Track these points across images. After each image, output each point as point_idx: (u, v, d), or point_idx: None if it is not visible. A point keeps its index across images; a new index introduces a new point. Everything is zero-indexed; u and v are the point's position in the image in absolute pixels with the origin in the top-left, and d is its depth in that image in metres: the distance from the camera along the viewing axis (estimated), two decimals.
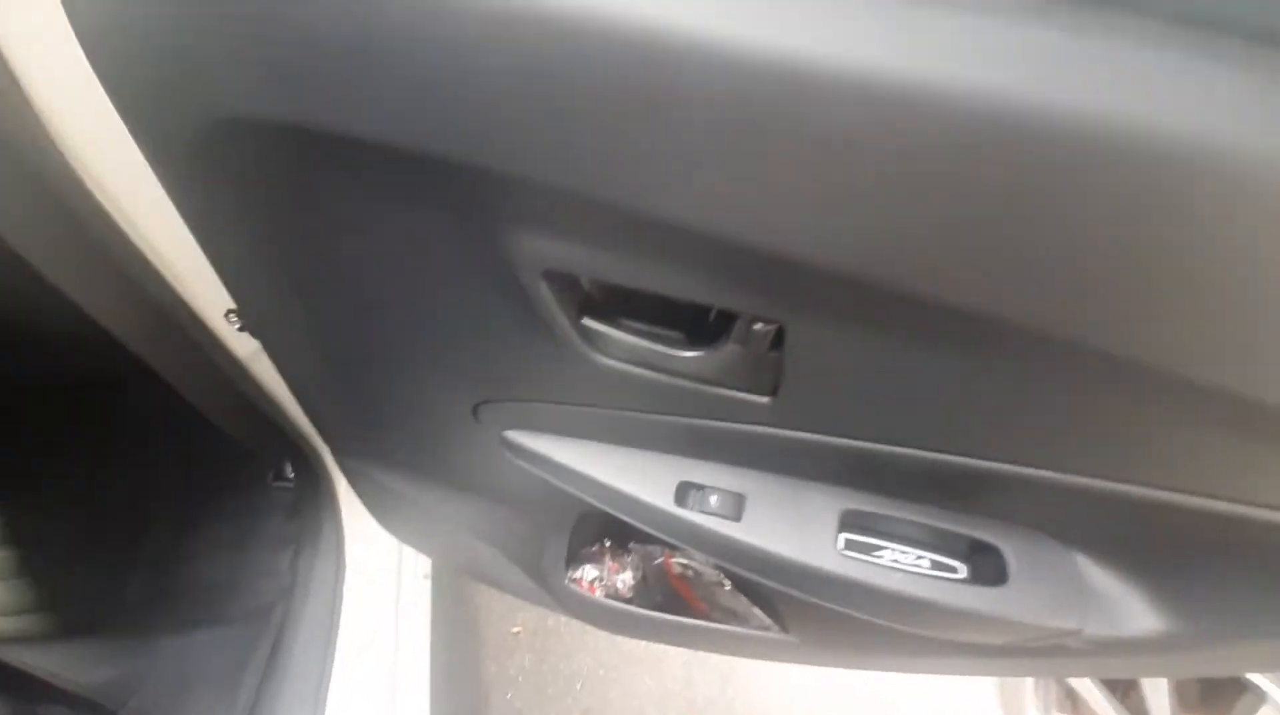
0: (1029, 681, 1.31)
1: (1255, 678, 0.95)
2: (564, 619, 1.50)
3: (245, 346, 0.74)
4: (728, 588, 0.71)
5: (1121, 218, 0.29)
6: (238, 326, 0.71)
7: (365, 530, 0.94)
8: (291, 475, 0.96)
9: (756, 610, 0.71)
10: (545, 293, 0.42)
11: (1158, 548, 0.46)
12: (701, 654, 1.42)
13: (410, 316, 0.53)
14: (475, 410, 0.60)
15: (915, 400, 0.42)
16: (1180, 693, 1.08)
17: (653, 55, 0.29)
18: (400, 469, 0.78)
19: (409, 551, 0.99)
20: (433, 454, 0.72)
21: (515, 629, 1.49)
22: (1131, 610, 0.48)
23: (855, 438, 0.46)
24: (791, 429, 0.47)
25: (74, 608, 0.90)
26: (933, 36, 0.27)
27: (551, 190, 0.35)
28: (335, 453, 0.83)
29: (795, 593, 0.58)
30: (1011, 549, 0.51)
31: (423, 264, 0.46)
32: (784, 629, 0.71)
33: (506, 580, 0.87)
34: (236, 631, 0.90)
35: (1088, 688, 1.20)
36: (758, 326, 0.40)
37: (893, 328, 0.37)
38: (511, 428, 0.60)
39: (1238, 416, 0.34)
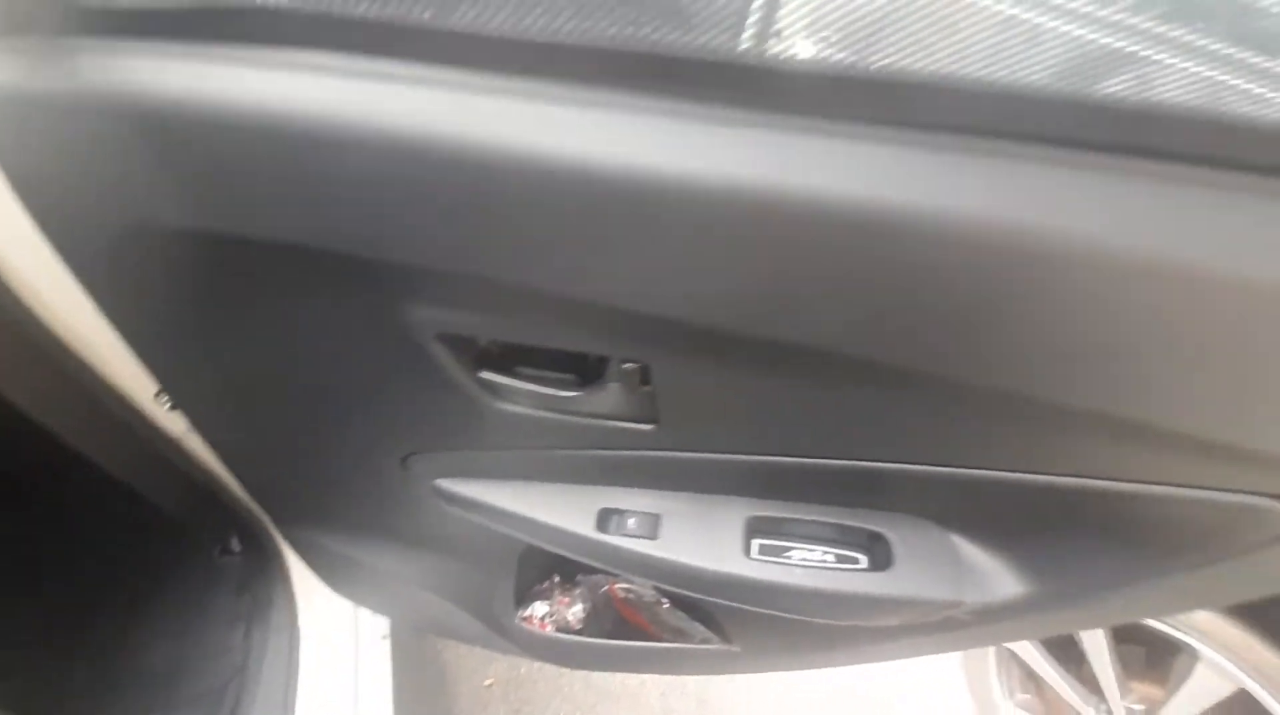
0: (992, 667, 1.36)
1: (1188, 639, 1.01)
2: (537, 666, 1.49)
3: (177, 424, 0.76)
4: (666, 606, 0.75)
5: (915, 279, 0.35)
6: (168, 406, 0.73)
7: (318, 596, 0.94)
8: (238, 548, 0.96)
9: (698, 625, 0.75)
10: (441, 353, 0.47)
11: (1017, 522, 0.52)
12: (678, 683, 1.43)
13: (330, 384, 0.57)
14: (404, 463, 0.63)
15: (779, 417, 0.48)
16: (1124, 661, 1.14)
17: (524, 172, 0.34)
18: (343, 530, 0.80)
19: (365, 613, 0.99)
20: (371, 511, 0.75)
21: (488, 681, 1.47)
22: (1001, 579, 0.53)
23: (737, 453, 0.51)
24: (678, 451, 0.52)
25: (16, 706, 0.87)
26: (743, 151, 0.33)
27: (434, 271, 0.40)
28: (277, 521, 0.85)
29: (717, 600, 0.62)
30: (898, 536, 0.56)
31: (333, 340, 0.50)
32: (726, 640, 0.74)
33: (464, 630, 0.89)
34: None
35: (1043, 665, 1.25)
36: (626, 366, 0.45)
37: (740, 361, 0.43)
38: (441, 476, 0.64)
39: (1051, 415, 0.41)
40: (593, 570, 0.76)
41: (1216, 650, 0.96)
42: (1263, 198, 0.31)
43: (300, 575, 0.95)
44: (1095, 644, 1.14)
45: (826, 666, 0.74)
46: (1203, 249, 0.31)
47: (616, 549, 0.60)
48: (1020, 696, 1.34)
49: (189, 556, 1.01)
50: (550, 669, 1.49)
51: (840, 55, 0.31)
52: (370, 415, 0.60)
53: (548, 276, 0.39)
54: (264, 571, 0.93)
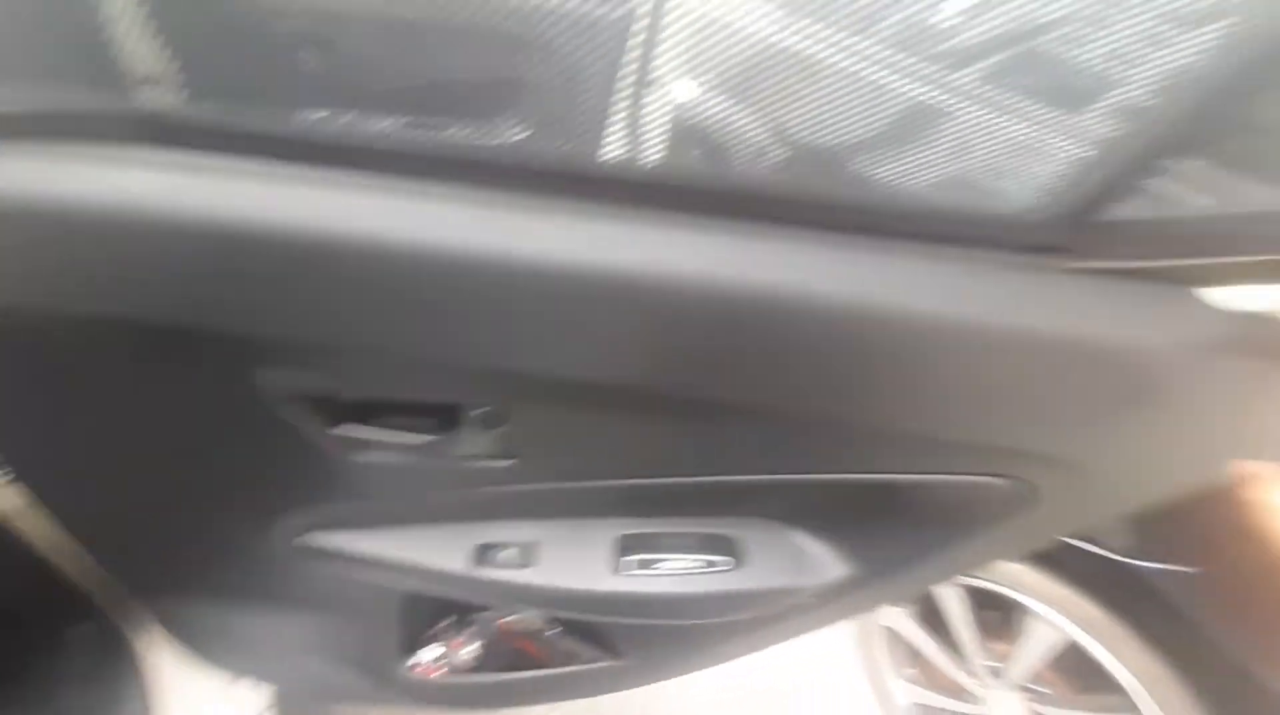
0: (880, 649, 1.47)
1: (1025, 599, 1.16)
2: None
3: (10, 501, 0.69)
4: (556, 631, 0.76)
5: (707, 331, 0.41)
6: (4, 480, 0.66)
7: (185, 676, 0.87)
8: (91, 633, 0.87)
9: (587, 645, 0.77)
10: (294, 413, 0.48)
11: (838, 515, 0.59)
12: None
13: (183, 450, 0.55)
14: (270, 523, 0.62)
15: (630, 446, 0.53)
16: (983, 625, 1.28)
17: (346, 254, 0.37)
18: (212, 599, 0.75)
19: (244, 686, 0.92)
20: (241, 576, 0.71)
21: None
22: (832, 564, 0.61)
23: (598, 480, 0.55)
24: (542, 482, 0.55)
25: None
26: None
27: (278, 339, 0.42)
28: (137, 597, 0.78)
29: (600, 617, 0.65)
30: (748, 537, 0.62)
31: (182, 407, 0.50)
32: (616, 656, 0.77)
33: (351, 690, 0.85)
34: None
35: (921, 639, 1.38)
36: (475, 412, 0.48)
37: (584, 401, 0.47)
38: (309, 533, 0.63)
39: (845, 427, 0.48)
40: (483, 609, 0.77)
41: (1049, 607, 1.11)
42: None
43: (162, 656, 0.87)
44: (956, 613, 1.28)
45: (708, 666, 0.79)
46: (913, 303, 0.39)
47: (495, 582, 0.62)
48: (906, 671, 1.46)
49: (35, 648, 0.90)
50: None
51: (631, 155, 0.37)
52: (229, 479, 0.59)
53: (393, 342, 0.42)
54: (115, 659, 0.84)
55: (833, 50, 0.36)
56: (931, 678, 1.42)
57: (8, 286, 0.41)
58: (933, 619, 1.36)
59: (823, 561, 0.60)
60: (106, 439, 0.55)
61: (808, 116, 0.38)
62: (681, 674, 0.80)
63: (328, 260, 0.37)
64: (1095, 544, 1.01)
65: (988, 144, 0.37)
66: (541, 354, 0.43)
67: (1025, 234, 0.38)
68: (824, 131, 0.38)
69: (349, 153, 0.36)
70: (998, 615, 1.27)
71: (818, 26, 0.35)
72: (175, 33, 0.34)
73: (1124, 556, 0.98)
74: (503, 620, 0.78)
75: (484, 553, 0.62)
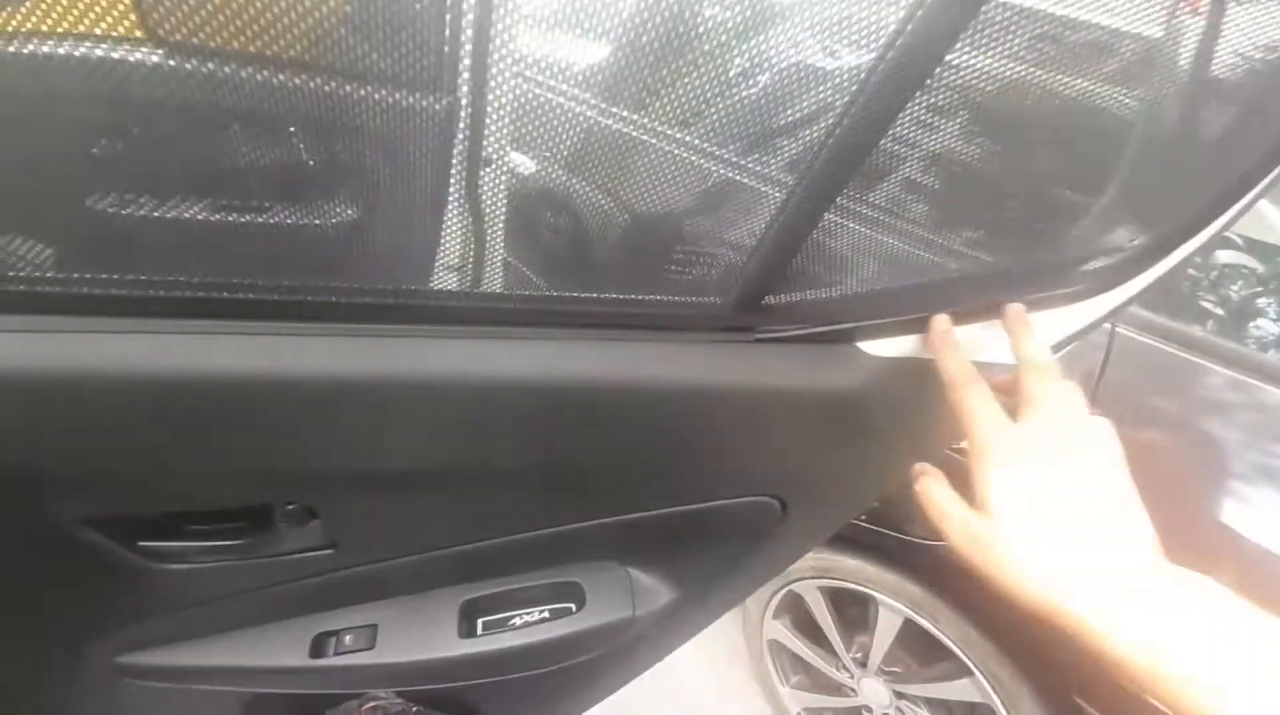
0: (769, 663, 1.57)
1: (869, 591, 1.31)
2: None
3: None
4: (417, 709, 0.77)
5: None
6: None
7: None
8: None
9: None
10: (89, 536, 0.47)
11: (659, 546, 0.67)
12: None
13: None
14: (77, 649, 0.58)
15: (443, 516, 0.57)
16: (845, 623, 1.42)
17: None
18: None
19: None
20: (52, 709, 0.65)
21: None
22: (660, 592, 0.68)
23: (422, 552, 0.59)
24: (367, 564, 0.58)
25: None
26: None
27: (58, 473, 0.43)
28: None
29: (451, 685, 0.67)
30: (587, 579, 0.68)
31: None
32: None
33: None
34: None
35: (799, 646, 1.49)
36: (289, 507, 0.51)
37: (382, 486, 0.52)
38: (123, 654, 0.60)
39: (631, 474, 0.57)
40: (335, 701, 0.75)
41: (886, 594, 1.26)
42: None
43: None
44: (823, 615, 1.40)
45: (580, 713, 0.83)
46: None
47: (335, 669, 0.62)
48: (793, 679, 1.56)
49: None
50: None
51: None
52: (27, 607, 0.55)
53: (181, 464, 0.44)
54: None
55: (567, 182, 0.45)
56: (814, 680, 1.54)
57: None
58: (807, 626, 1.48)
59: (654, 590, 0.67)
60: None
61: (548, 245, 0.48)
62: None
63: (97, 395, 0.39)
64: (908, 533, 1.17)
65: (673, 258, 0.49)
66: (340, 454, 0.47)
67: (718, 319, 0.49)
68: (562, 252, 0.48)
69: (110, 301, 0.39)
70: (857, 611, 1.41)
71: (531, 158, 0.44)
72: None
73: (930, 539, 1.15)
74: (363, 707, 0.77)
75: (323, 642, 0.63)
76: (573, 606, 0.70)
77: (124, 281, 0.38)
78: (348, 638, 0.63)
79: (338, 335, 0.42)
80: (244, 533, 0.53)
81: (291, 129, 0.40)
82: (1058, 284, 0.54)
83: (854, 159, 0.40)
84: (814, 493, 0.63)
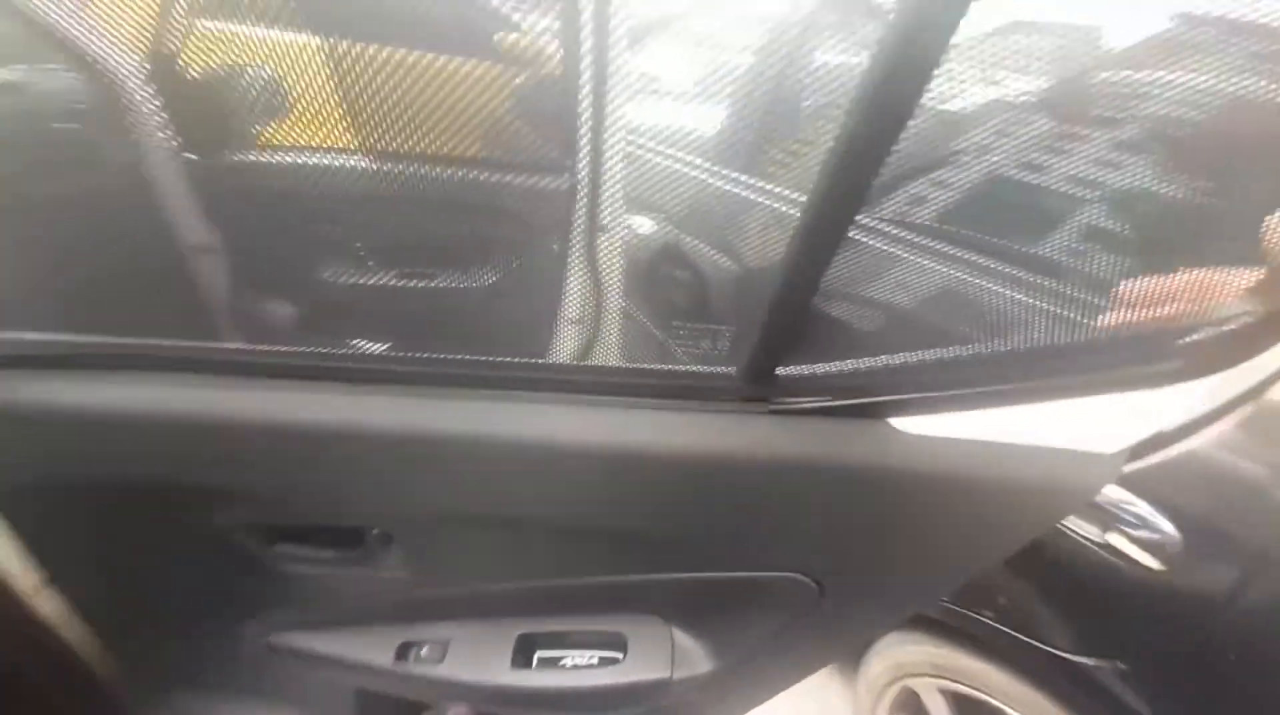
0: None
1: (998, 702, 1.12)
2: None
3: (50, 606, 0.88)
4: None
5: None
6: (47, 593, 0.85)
7: None
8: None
9: None
10: (245, 538, 0.65)
11: (702, 610, 0.68)
12: None
13: (181, 572, 0.73)
14: (235, 630, 0.77)
15: (510, 557, 0.66)
16: None
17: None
18: (192, 692, 0.89)
19: None
20: (218, 671, 0.85)
21: None
22: (700, 659, 0.68)
23: (488, 584, 0.68)
24: (441, 589, 0.68)
25: None
26: None
27: (231, 490, 0.60)
28: (135, 690, 0.93)
29: (501, 710, 0.74)
30: (632, 631, 0.71)
31: (174, 541, 0.68)
32: None
33: None
34: None
35: None
36: (375, 532, 0.64)
37: (445, 525, 0.62)
38: (271, 634, 0.77)
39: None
40: (427, 707, 0.87)
41: (1014, 706, 1.08)
42: None
43: None
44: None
45: None
46: None
47: (414, 676, 0.73)
48: None
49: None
50: None
51: None
52: (211, 590, 0.75)
53: (309, 488, 0.59)
54: None
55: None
56: None
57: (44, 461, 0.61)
58: None
59: (694, 655, 0.68)
60: (122, 565, 0.73)
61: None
62: None
63: (253, 437, 0.54)
64: (1042, 640, 1.00)
65: (686, 328, 0.53)
66: (422, 496, 0.58)
67: (732, 389, 0.51)
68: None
69: (286, 368, 0.55)
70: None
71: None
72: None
73: (1068, 653, 0.97)
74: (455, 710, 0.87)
75: (404, 650, 0.74)
76: (620, 656, 0.74)
77: (304, 353, 0.53)
78: (424, 650, 0.74)
79: (434, 397, 0.54)
80: (344, 549, 0.66)
81: (448, 210, 0.53)
82: (1146, 357, 0.46)
83: (839, 220, 0.39)
84: (853, 576, 0.60)
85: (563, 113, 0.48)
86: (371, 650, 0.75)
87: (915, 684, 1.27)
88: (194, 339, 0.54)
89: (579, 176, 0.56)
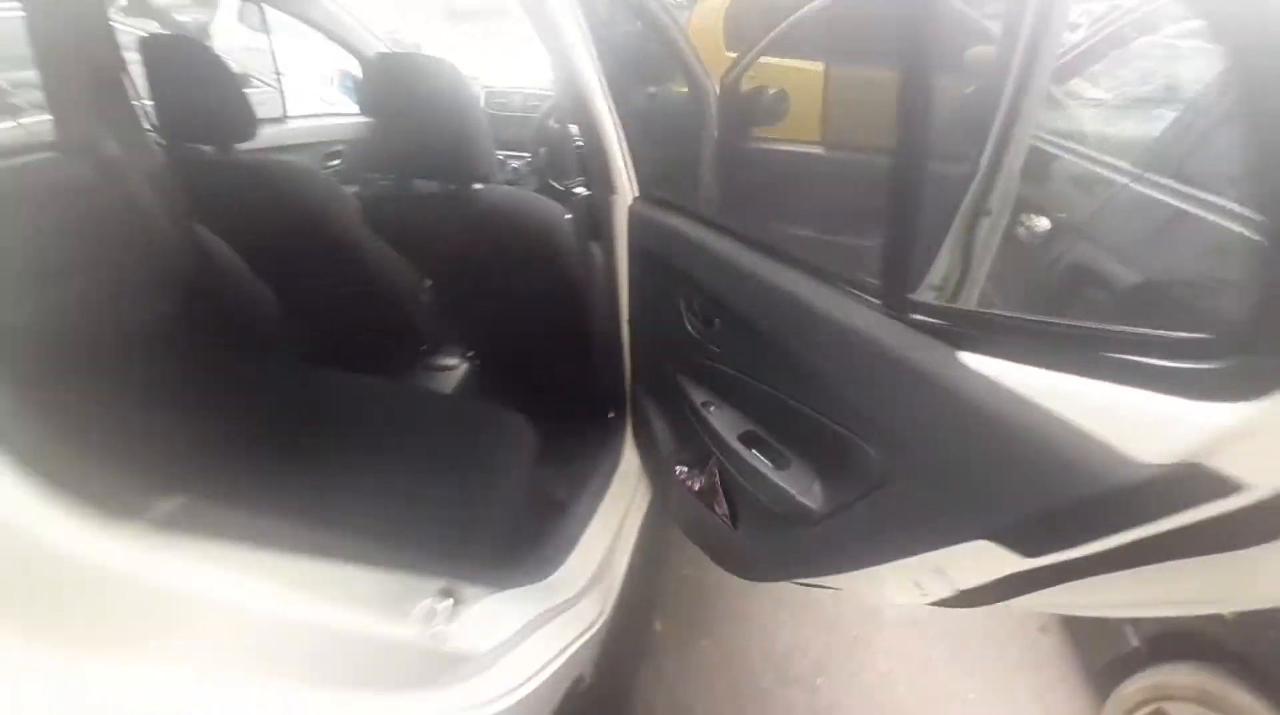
0: None
1: None
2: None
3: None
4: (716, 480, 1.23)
5: None
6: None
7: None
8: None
9: (716, 507, 1.23)
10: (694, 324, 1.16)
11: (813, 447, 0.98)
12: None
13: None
14: (676, 374, 1.28)
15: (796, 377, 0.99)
16: None
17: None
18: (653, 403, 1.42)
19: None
20: (658, 401, 1.39)
21: (658, 626, 1.83)
22: (817, 496, 0.97)
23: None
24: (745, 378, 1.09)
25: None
26: None
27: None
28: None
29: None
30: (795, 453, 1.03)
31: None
32: (733, 525, 1.19)
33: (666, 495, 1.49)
34: None
35: None
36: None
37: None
38: (685, 379, 1.27)
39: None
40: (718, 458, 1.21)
41: None
42: None
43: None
44: None
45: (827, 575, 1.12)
46: None
47: (743, 463, 1.08)
48: None
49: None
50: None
51: None
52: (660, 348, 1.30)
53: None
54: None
55: None
56: None
57: None
58: None
59: (814, 492, 0.97)
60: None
61: None
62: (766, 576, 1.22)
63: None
64: None
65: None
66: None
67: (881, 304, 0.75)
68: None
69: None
70: None
71: None
72: None
73: None
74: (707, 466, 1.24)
75: (749, 441, 1.09)
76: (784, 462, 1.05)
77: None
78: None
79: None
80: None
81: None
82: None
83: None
84: (921, 476, 0.79)
85: (986, 113, 0.79)
86: (721, 424, 1.15)
87: (1171, 708, 1.23)
88: None
89: (980, 166, 0.89)
